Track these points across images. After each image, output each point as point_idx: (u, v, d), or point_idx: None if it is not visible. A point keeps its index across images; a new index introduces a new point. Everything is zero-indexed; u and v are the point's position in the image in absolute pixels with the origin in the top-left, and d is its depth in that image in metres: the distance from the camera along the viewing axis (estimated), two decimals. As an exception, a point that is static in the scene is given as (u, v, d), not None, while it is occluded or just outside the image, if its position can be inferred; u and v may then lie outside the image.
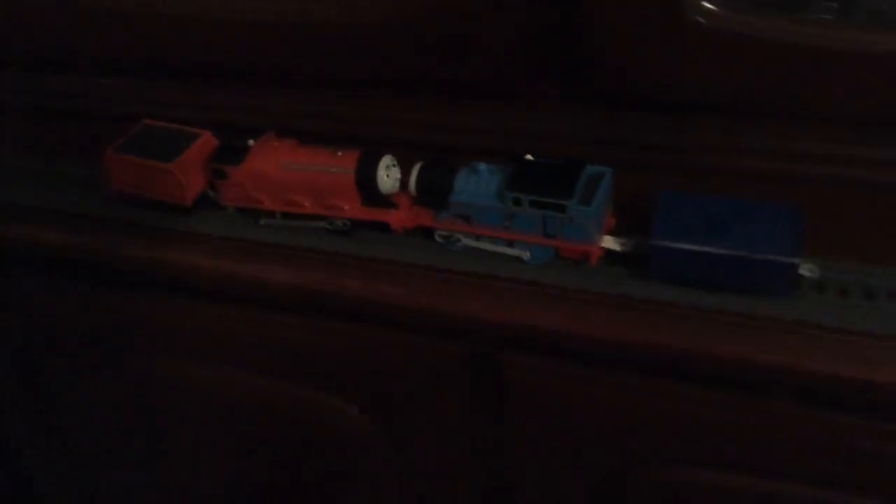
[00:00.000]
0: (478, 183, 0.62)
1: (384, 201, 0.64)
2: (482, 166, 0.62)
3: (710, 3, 0.55)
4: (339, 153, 0.64)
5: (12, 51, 0.81)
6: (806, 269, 0.56)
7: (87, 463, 0.99)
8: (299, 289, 0.65)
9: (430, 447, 0.74)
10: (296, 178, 0.65)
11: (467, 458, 0.73)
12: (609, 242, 0.61)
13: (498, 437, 0.70)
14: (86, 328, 0.82)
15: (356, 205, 0.65)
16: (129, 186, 0.71)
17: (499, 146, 0.65)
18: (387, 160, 0.63)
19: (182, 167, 0.68)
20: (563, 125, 0.64)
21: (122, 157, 0.69)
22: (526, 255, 0.62)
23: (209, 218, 0.70)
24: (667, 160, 0.62)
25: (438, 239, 0.65)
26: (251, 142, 0.67)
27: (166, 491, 0.96)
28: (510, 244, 0.62)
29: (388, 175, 0.63)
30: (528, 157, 0.62)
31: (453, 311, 0.61)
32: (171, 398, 0.84)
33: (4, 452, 1.03)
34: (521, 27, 0.61)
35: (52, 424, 0.95)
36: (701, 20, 0.56)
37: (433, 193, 0.63)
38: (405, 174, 0.64)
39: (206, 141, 0.70)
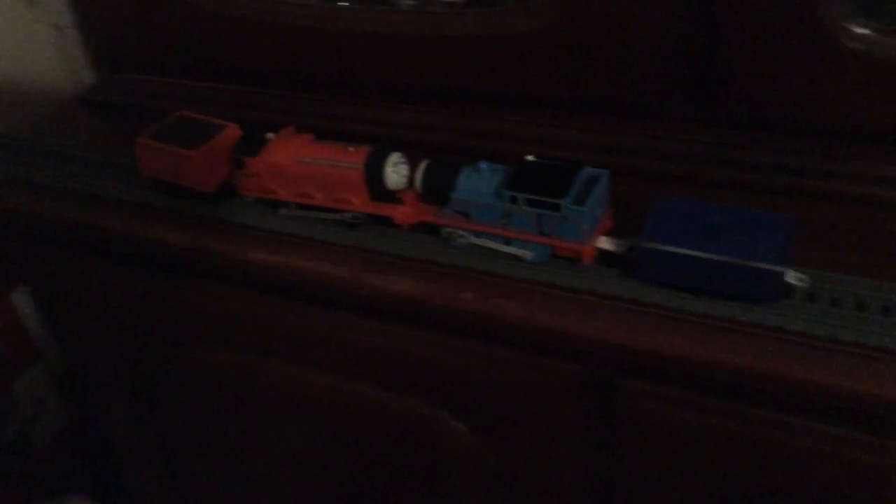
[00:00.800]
0: (479, 181, 0.63)
1: (391, 197, 0.67)
2: (484, 165, 0.64)
3: (860, 27, 0.56)
4: (351, 149, 0.66)
5: (156, 56, 0.85)
6: (794, 278, 0.56)
7: (177, 461, 1.00)
8: (414, 300, 0.64)
9: (535, 471, 0.72)
10: (308, 171, 0.67)
11: (573, 486, 0.71)
12: (604, 243, 0.62)
13: (609, 468, 0.68)
14: (190, 326, 0.83)
15: (365, 199, 0.67)
16: (158, 172, 0.74)
17: (625, 164, 0.66)
18: (395, 157, 0.65)
19: (205, 155, 0.71)
20: (693, 145, 0.65)
21: (152, 144, 0.73)
22: (526, 254, 0.63)
23: (233, 206, 0.73)
24: (805, 184, 0.62)
25: (443, 235, 0.66)
26: (270, 135, 0.69)
27: (254, 494, 0.96)
28: (508, 242, 0.64)
29: (395, 171, 0.65)
30: (529, 157, 0.63)
31: (569, 330, 0.60)
32: (269, 400, 0.84)
33: (97, 443, 1.07)
34: (655, 44, 0.63)
35: (147, 420, 0.97)
36: (852, 45, 0.56)
37: (437, 190, 0.65)
38: (413, 172, 0.66)
39: (232, 132, 0.73)
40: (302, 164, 0.68)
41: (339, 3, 0.78)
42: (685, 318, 0.58)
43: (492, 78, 0.71)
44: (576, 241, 0.61)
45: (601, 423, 0.65)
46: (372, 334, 0.71)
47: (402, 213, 0.67)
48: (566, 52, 0.66)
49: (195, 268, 0.74)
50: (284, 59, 0.78)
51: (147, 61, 0.89)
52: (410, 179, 0.66)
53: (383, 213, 0.67)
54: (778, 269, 0.55)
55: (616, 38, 0.64)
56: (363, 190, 0.66)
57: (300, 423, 0.84)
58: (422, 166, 0.65)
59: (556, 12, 0.65)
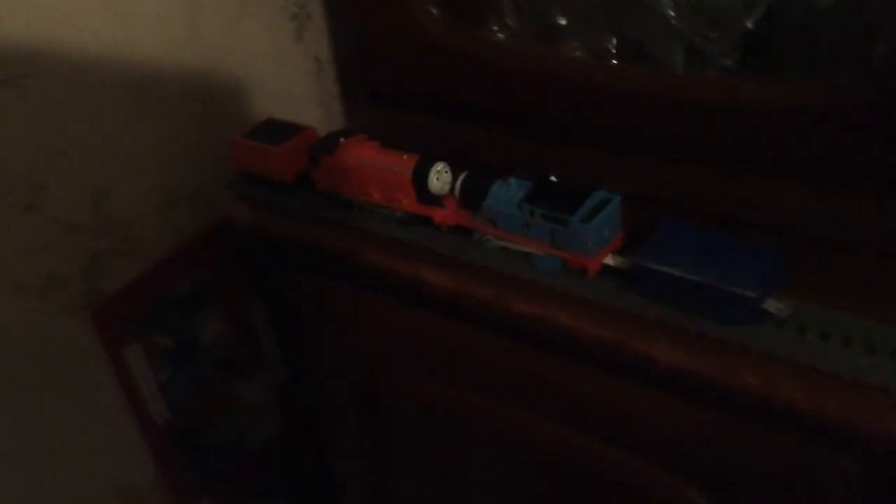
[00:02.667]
0: (506, 193, 0.72)
1: (434, 200, 0.76)
2: (513, 180, 0.72)
3: None
4: (405, 157, 0.76)
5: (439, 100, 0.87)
6: (773, 307, 0.61)
7: (391, 485, 1.01)
8: (684, 371, 0.61)
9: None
10: (369, 172, 0.78)
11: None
12: (609, 259, 0.69)
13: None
14: (417, 357, 0.84)
15: (412, 200, 0.77)
16: (247, 165, 0.87)
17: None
18: (439, 166, 0.74)
19: (287, 151, 0.83)
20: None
21: (244, 142, 0.85)
22: (543, 260, 0.71)
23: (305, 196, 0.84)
24: None
25: (474, 238, 0.75)
26: (343, 139, 0.81)
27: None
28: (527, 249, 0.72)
29: (438, 178, 0.74)
30: (552, 178, 0.72)
31: (858, 424, 0.55)
32: (486, 441, 0.84)
33: (309, 455, 1.15)
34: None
35: (366, 442, 0.98)
36: None
37: (471, 198, 0.74)
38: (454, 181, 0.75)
39: (311, 134, 0.84)
40: (364, 166, 0.78)
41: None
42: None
43: (773, 148, 0.68)
44: (583, 254, 0.68)
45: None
46: (627, 398, 0.69)
47: (441, 215, 0.76)
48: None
49: (448, 307, 0.74)
50: (552, 110, 0.79)
51: (399, 97, 0.91)
52: (452, 187, 0.75)
53: (426, 213, 0.77)
54: (751, 294, 0.61)
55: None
56: (411, 192, 0.76)
57: (514, 470, 0.83)
58: (462, 176, 0.74)
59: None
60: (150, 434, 0.95)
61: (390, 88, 0.91)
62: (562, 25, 0.89)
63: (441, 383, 0.82)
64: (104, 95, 0.80)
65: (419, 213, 0.77)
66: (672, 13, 0.73)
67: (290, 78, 1.03)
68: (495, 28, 0.93)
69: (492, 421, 0.81)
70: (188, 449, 1.01)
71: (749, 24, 0.73)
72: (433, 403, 0.85)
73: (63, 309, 0.83)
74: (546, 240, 0.70)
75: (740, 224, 0.66)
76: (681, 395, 0.64)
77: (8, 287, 0.77)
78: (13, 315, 0.78)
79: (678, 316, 0.64)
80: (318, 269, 0.85)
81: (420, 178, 0.75)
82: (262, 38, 0.96)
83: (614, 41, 0.86)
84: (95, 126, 0.81)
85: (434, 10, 0.81)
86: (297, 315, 0.95)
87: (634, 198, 0.69)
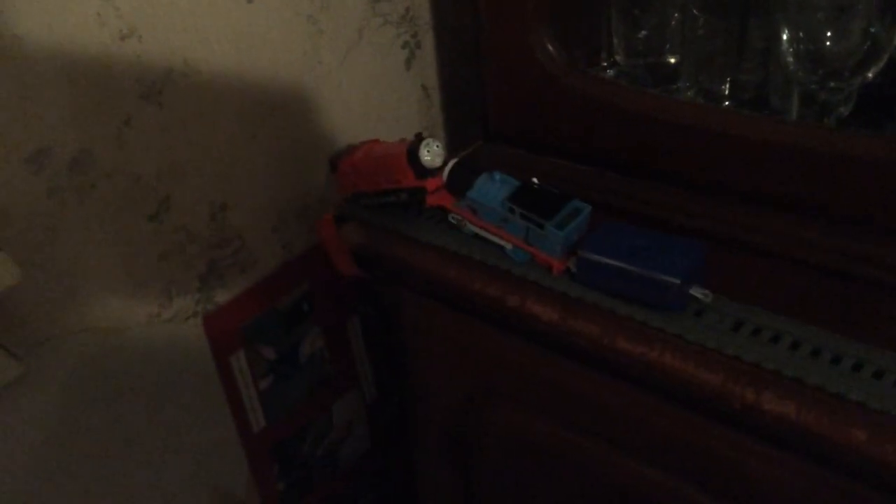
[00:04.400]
0: (490, 187, 0.76)
1: (428, 172, 0.81)
2: (498, 175, 0.77)
3: None
4: (400, 141, 0.84)
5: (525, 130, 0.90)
6: (699, 293, 0.67)
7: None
8: (797, 427, 0.59)
9: None
10: (374, 162, 0.85)
11: None
12: (570, 261, 0.74)
13: None
14: (514, 387, 0.84)
15: (411, 177, 0.81)
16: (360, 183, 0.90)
17: None
18: (428, 140, 0.80)
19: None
20: None
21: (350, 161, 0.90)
22: (514, 252, 0.77)
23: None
24: None
25: (452, 220, 0.82)
26: (357, 143, 0.91)
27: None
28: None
29: (427, 151, 0.79)
30: (534, 180, 0.76)
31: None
32: (577, 477, 0.83)
33: (394, 472, 1.20)
34: None
35: (455, 468, 0.98)
36: None
37: (457, 185, 0.80)
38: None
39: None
40: (370, 159, 0.86)
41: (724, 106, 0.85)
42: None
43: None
44: (551, 255, 0.73)
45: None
46: (733, 448, 0.68)
47: (434, 183, 0.81)
48: None
49: (551, 341, 0.74)
50: (664, 155, 0.79)
51: (517, 134, 0.91)
52: (444, 162, 0.81)
53: (422, 185, 0.81)
54: (675, 280, 0.66)
55: None
56: (408, 170, 0.81)
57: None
58: (451, 163, 0.81)
59: None
60: (248, 441, 0.98)
61: (503, 123, 0.93)
62: (671, 64, 0.90)
63: (538, 416, 0.84)
64: (227, 112, 0.85)
65: (416, 185, 0.82)
66: (791, 59, 0.74)
67: (398, 104, 1.07)
68: (605, 65, 0.94)
69: (584, 458, 0.81)
70: (281, 459, 1.04)
71: (870, 75, 0.73)
72: (527, 436, 0.86)
73: (178, 314, 0.87)
74: (520, 236, 0.75)
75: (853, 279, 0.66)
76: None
77: (132, 290, 0.82)
78: (134, 316, 0.83)
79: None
80: (423, 292, 0.88)
81: (413, 154, 0.80)
82: (375, 65, 1.00)
83: (727, 84, 0.86)
84: (217, 142, 0.85)
85: (552, 49, 0.83)
86: (396, 337, 0.97)
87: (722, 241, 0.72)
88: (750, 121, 0.75)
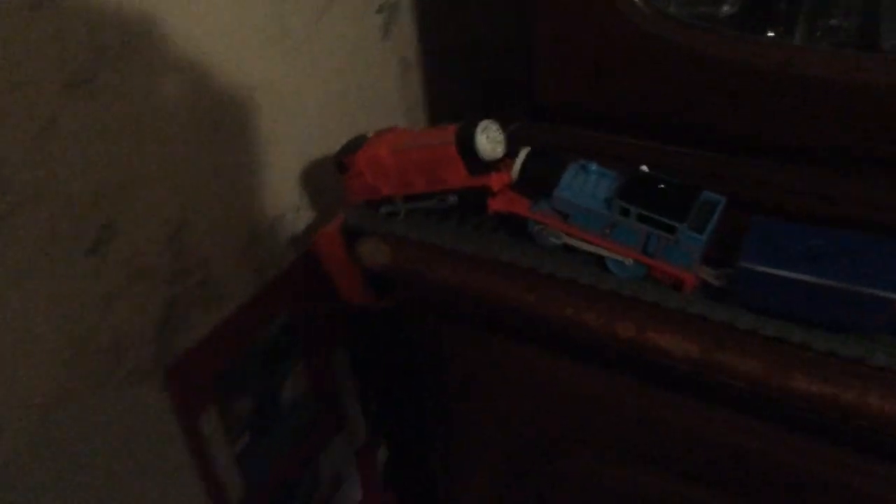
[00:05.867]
0: (585, 183, 0.60)
1: (487, 167, 0.63)
2: (593, 167, 0.60)
3: None
4: (442, 128, 0.65)
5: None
6: None
7: None
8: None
9: None
10: (406, 157, 0.66)
11: None
12: (705, 273, 0.58)
13: None
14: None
15: (462, 175, 0.64)
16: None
17: None
18: (485, 123, 0.61)
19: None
20: None
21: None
22: (620, 266, 0.60)
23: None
24: None
25: (532, 230, 0.63)
26: (369, 134, 0.70)
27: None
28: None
29: (486, 137, 0.61)
30: (644, 167, 0.60)
31: None
32: None
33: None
34: None
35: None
36: None
37: (536, 183, 0.62)
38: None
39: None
40: (398, 152, 0.66)
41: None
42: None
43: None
44: (683, 267, 0.57)
45: None
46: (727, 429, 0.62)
47: (497, 179, 0.63)
48: None
49: (683, 380, 0.62)
50: (803, 127, 0.64)
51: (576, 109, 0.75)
52: (507, 150, 0.63)
53: (480, 184, 0.64)
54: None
55: None
56: (458, 164, 0.63)
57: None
58: (523, 153, 0.62)
59: None
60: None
61: (559, 96, 0.74)
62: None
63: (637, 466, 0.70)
64: (180, 105, 0.68)
65: (472, 186, 0.64)
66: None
67: (374, 77, 0.92)
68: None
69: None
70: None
71: None
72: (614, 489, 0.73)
73: (133, 370, 0.70)
74: (636, 245, 0.58)
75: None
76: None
77: (70, 348, 0.65)
78: (76, 381, 0.66)
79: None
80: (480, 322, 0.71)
81: (466, 142, 0.61)
82: (349, 35, 0.85)
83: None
84: (170, 143, 0.68)
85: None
86: (425, 377, 0.81)
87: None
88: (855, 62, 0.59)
